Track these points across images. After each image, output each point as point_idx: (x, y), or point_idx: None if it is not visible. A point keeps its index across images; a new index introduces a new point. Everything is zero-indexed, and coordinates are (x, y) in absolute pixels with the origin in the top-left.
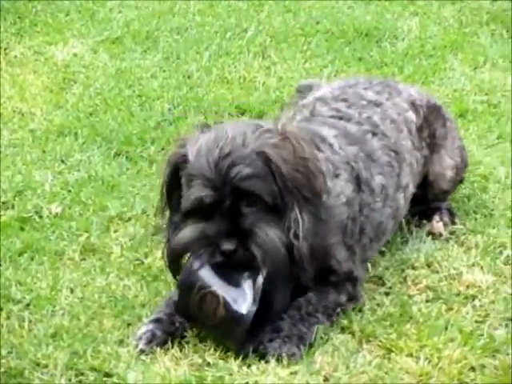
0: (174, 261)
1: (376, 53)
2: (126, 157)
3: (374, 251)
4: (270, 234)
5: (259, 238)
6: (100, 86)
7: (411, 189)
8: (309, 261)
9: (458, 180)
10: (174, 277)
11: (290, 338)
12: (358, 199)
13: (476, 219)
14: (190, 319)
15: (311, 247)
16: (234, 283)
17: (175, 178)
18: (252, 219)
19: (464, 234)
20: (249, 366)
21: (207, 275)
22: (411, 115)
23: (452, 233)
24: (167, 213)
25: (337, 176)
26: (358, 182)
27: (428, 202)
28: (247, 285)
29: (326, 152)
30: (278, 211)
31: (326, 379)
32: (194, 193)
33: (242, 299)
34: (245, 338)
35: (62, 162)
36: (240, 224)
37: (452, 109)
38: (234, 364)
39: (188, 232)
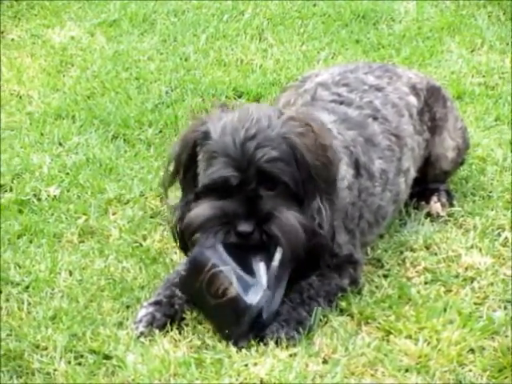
0: (188, 238)
1: (373, 35)
2: (124, 139)
3: (375, 235)
4: (290, 217)
5: (280, 220)
6: (97, 68)
7: (412, 173)
8: (331, 248)
9: (459, 161)
10: (186, 254)
11: (289, 321)
12: (357, 184)
13: (474, 201)
14: (193, 299)
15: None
16: (248, 268)
17: (192, 155)
18: (272, 203)
19: (462, 216)
20: (248, 349)
21: (221, 254)
22: (412, 99)
23: (450, 215)
24: (173, 192)
25: (339, 160)
26: (357, 167)
27: (427, 182)
28: (262, 270)
29: None
30: (298, 198)
31: (324, 361)
32: (217, 171)
33: (254, 289)
34: (247, 329)
35: (60, 144)
36: (260, 207)
37: (449, 91)
38: (232, 346)
39: (206, 209)
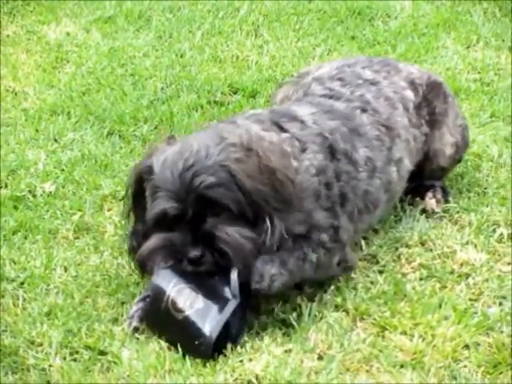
0: (141, 269)
1: (369, 31)
2: (119, 136)
3: (366, 224)
4: (231, 232)
5: (222, 236)
6: (93, 65)
7: (407, 164)
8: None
9: (457, 158)
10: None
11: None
12: (332, 167)
13: (469, 197)
14: (159, 326)
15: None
16: (208, 288)
17: (140, 188)
18: (213, 223)
19: (457, 212)
20: (242, 345)
21: (181, 275)
22: (409, 93)
23: (446, 211)
24: (131, 219)
25: (304, 150)
26: (332, 151)
27: (424, 178)
28: (221, 286)
29: (292, 129)
30: (247, 219)
31: (320, 357)
32: (158, 205)
33: (211, 317)
34: (211, 353)
35: (55, 141)
36: (203, 230)
37: None
38: (228, 343)
39: (154, 241)
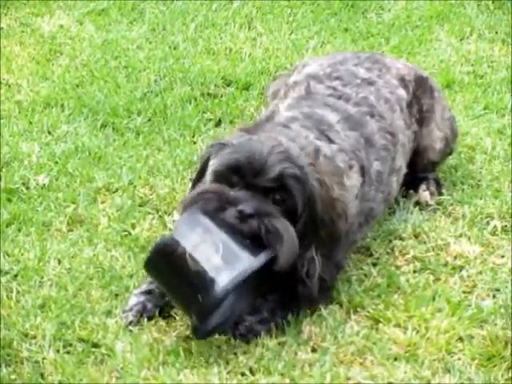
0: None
1: (362, 24)
2: (113, 128)
3: (363, 233)
4: (290, 230)
5: (282, 224)
6: (86, 57)
7: (404, 170)
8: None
9: (448, 151)
10: None
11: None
12: (361, 192)
13: (463, 190)
14: (169, 267)
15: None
16: (230, 247)
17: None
18: (277, 210)
19: (451, 204)
20: (236, 338)
21: (209, 224)
22: (402, 92)
23: (439, 203)
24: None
25: (351, 167)
26: (363, 172)
27: (415, 172)
28: (245, 255)
29: (337, 140)
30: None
31: (313, 350)
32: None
33: (228, 271)
34: (211, 316)
35: (49, 133)
36: (266, 205)
37: (438, 79)
38: (221, 336)
39: (205, 186)
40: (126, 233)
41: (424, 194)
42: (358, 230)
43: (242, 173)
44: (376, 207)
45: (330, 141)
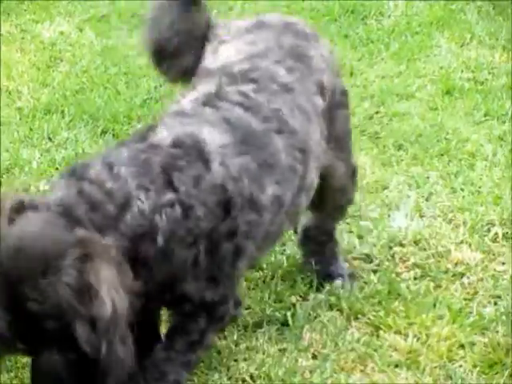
0: None
1: (362, 30)
2: (113, 134)
3: (265, 252)
4: None
5: None
6: (86, 64)
7: (316, 181)
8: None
9: None
10: None
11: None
12: (223, 227)
13: (463, 196)
14: None
15: None
16: None
17: None
18: None
19: (452, 211)
20: (237, 345)
21: None
22: (318, 100)
23: (440, 210)
24: None
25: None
26: (227, 207)
27: None
28: None
29: (182, 188)
30: None
31: (314, 356)
32: None
33: None
34: None
35: (49, 139)
36: None
37: (438, 86)
38: (222, 342)
39: None
40: None
41: None
42: (257, 253)
43: None
44: (277, 230)
45: (170, 187)
